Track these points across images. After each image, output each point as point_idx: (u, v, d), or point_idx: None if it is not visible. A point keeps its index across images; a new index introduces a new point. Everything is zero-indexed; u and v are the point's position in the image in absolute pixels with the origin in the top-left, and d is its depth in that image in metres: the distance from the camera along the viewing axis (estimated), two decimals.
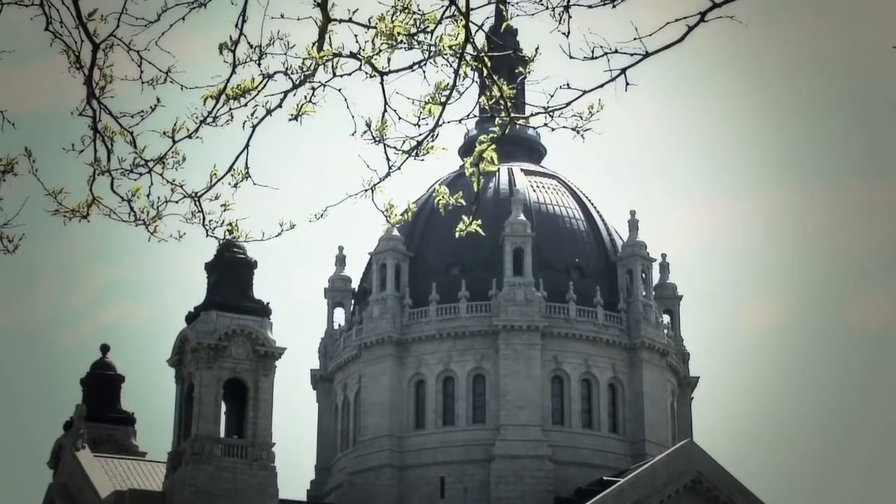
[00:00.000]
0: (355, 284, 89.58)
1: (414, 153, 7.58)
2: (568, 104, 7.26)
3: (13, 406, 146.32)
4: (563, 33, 7.02)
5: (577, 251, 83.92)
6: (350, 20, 7.32)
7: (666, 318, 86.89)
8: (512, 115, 7.70)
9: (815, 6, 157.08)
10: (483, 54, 7.51)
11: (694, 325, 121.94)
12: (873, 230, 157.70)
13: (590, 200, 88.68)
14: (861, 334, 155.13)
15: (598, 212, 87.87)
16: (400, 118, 7.51)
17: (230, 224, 7.85)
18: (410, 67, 7.39)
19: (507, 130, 7.90)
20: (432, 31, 7.21)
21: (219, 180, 7.70)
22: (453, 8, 7.10)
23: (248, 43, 7.35)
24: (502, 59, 9.67)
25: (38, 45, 7.81)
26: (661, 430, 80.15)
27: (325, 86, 7.38)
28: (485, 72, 7.57)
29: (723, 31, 7.99)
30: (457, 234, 8.70)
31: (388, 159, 7.58)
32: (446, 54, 7.29)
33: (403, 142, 7.55)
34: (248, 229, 7.95)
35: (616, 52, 6.92)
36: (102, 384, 73.11)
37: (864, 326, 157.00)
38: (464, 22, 7.13)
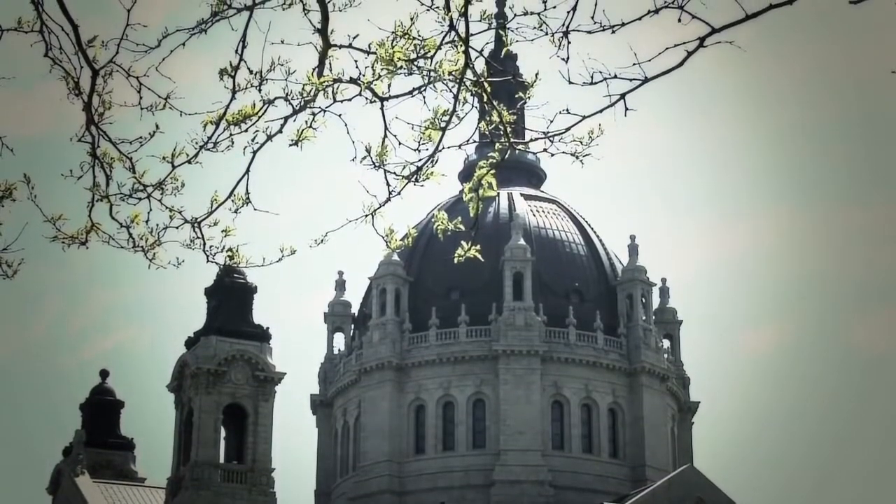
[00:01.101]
0: (355, 309, 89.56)
1: (414, 178, 7.58)
2: (567, 129, 7.27)
3: (13, 431, 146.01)
4: (563, 59, 7.03)
5: (576, 276, 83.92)
6: (350, 46, 7.34)
7: (666, 343, 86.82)
8: (511, 140, 7.70)
9: (814, 31, 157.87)
10: (483, 80, 7.52)
11: (694, 349, 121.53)
12: (874, 253, 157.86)
13: (589, 225, 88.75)
14: (862, 358, 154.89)
15: (597, 236, 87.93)
16: (400, 143, 7.52)
17: (230, 249, 7.85)
18: (410, 93, 7.41)
19: (506, 155, 7.91)
20: (432, 57, 7.23)
21: (219, 206, 7.70)
22: (453, 33, 7.12)
23: (249, 69, 7.37)
24: (502, 85, 9.67)
25: (37, 71, 7.83)
26: (662, 455, 79.96)
27: (325, 111, 7.39)
28: (484, 97, 7.59)
29: (722, 56, 8.01)
30: (456, 260, 8.69)
31: (388, 184, 7.58)
32: (446, 80, 7.30)
33: (403, 167, 7.55)
34: (249, 255, 7.94)
35: (615, 77, 6.93)
36: (102, 409, 72.92)
37: (865, 350, 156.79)
38: (463, 47, 7.15)
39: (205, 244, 7.81)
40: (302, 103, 7.47)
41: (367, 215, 7.78)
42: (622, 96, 7.10)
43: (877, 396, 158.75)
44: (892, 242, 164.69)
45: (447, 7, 7.13)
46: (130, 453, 74.13)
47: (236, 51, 7.43)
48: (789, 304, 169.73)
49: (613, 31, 7.01)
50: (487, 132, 7.90)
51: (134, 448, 74.68)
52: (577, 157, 7.49)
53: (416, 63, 7.40)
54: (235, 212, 7.75)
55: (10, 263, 7.97)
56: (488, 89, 7.65)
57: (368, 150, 7.55)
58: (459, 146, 7.93)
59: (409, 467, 79.02)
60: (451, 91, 7.44)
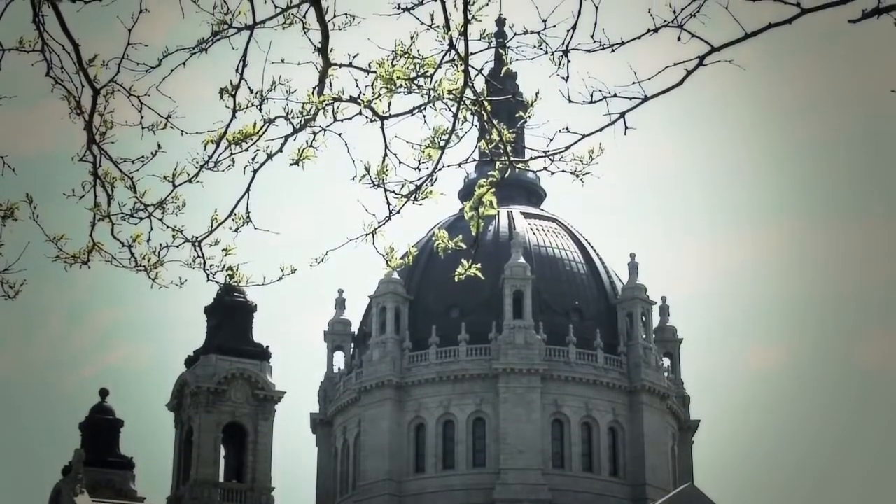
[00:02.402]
0: (355, 328, 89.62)
1: (413, 197, 7.61)
2: (567, 148, 7.29)
3: (12, 449, 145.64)
4: (563, 77, 7.06)
5: (576, 294, 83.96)
6: (350, 65, 7.37)
7: (666, 362, 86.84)
8: (511, 159, 7.73)
9: (813, 50, 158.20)
10: (482, 98, 7.55)
11: (694, 368, 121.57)
12: (875, 271, 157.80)
13: (589, 243, 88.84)
14: (862, 376, 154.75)
15: (597, 255, 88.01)
16: (400, 162, 7.55)
17: (231, 268, 7.87)
18: (410, 112, 7.44)
19: (506, 174, 7.93)
20: (432, 76, 7.26)
21: (219, 225, 7.72)
22: (453, 52, 7.15)
23: (249, 88, 7.40)
24: (502, 104, 9.70)
25: (38, 90, 7.86)
26: (662, 474, 79.89)
27: (325, 130, 7.43)
28: (484, 116, 7.61)
29: (722, 74, 8.03)
30: (456, 278, 8.70)
31: (388, 203, 7.61)
32: (446, 98, 7.33)
33: (403, 186, 7.58)
34: (249, 274, 7.95)
35: (615, 95, 6.96)
36: (101, 428, 72.71)
37: (866, 367, 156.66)
38: (463, 66, 7.18)
39: (205, 263, 7.84)
40: (302, 122, 7.50)
41: (367, 234, 7.81)
42: (622, 115, 7.13)
43: (876, 414, 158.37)
44: (894, 260, 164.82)
45: (447, 26, 7.16)
46: (130, 472, 73.86)
47: (237, 70, 7.47)
48: (790, 323, 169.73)
49: (613, 50, 7.04)
50: (487, 151, 7.92)
51: (133, 467, 74.42)
52: (577, 176, 7.52)
53: (415, 82, 7.43)
54: (236, 231, 7.77)
55: (13, 284, 7.99)
56: (488, 108, 7.68)
57: (368, 169, 7.58)
58: (459, 165, 7.97)
59: (409, 486, 78.94)
60: (450, 110, 7.47)
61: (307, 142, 7.52)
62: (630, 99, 7.05)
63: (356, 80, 7.49)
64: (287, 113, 7.47)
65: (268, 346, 68.88)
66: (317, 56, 7.54)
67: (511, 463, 76.64)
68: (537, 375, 77.65)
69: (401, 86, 7.46)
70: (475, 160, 10.11)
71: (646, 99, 7.18)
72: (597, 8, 7.09)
